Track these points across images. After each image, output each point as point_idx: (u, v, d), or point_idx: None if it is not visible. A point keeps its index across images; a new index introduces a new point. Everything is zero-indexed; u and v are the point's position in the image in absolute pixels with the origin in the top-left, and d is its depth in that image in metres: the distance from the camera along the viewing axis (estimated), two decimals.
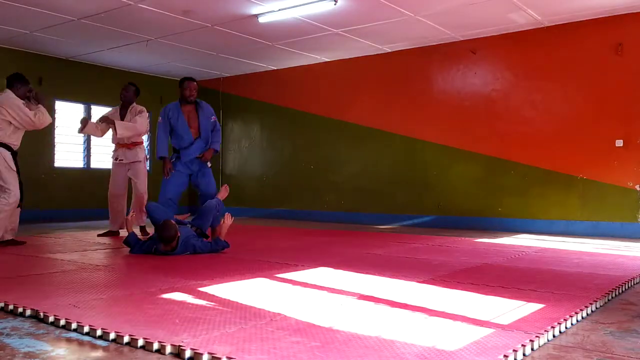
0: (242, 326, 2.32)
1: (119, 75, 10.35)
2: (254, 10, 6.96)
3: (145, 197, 6.17)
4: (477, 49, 8.00)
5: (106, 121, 6.16)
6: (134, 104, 6.27)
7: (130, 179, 6.26)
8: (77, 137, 9.77)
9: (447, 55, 8.28)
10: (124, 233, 5.85)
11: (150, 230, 5.64)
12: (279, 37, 8.15)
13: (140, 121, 6.06)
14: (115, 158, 6.25)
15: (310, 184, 9.76)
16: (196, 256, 4.66)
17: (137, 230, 5.79)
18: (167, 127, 5.29)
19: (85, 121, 6.17)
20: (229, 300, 2.87)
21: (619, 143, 6.86)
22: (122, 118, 6.14)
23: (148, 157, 6.43)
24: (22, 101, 5.24)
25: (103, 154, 9.87)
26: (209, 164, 5.42)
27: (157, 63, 9.97)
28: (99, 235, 6.15)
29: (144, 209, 5.41)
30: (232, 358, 1.87)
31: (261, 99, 10.57)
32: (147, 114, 6.25)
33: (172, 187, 5.28)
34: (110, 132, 6.30)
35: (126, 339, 2.12)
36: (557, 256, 4.81)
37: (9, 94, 5.19)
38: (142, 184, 6.19)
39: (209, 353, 1.91)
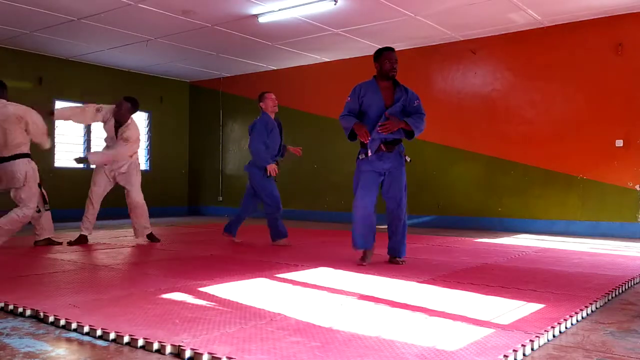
0: (242, 326, 2.32)
1: (119, 75, 10.35)
2: (254, 10, 6.96)
3: (143, 204, 5.65)
4: (477, 49, 8.00)
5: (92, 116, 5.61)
6: (130, 121, 5.59)
7: (115, 187, 5.73)
8: (77, 137, 9.77)
9: (447, 55, 8.28)
10: (94, 239, 5.71)
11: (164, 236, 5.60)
12: (279, 37, 8.14)
13: (120, 150, 5.44)
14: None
15: (310, 184, 9.76)
16: (196, 256, 4.66)
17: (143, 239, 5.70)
18: (354, 106, 4.25)
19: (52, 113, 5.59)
20: (229, 300, 2.87)
21: (619, 143, 6.85)
22: (116, 132, 5.53)
23: (138, 165, 5.79)
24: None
25: None
26: (407, 159, 4.32)
27: (157, 63, 9.97)
28: (69, 244, 5.40)
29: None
30: (232, 358, 1.87)
31: None
32: (137, 137, 5.62)
33: (366, 191, 4.19)
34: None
35: (126, 339, 2.12)
36: (557, 256, 4.81)
37: (21, 106, 5.08)
38: (137, 192, 5.63)
39: (209, 353, 1.91)
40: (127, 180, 5.62)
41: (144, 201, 5.68)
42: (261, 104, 5.57)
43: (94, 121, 5.74)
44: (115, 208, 5.98)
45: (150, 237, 5.75)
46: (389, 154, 4.19)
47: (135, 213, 5.65)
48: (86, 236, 5.59)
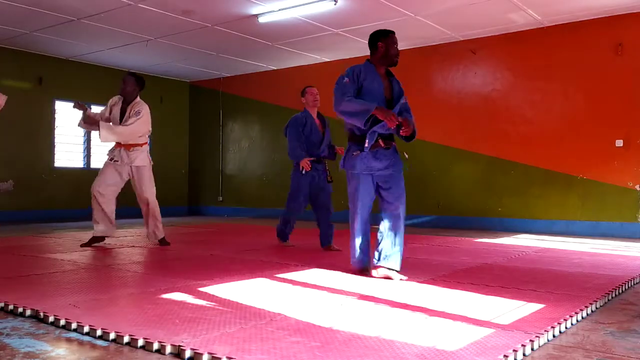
0: (242, 326, 2.32)
1: (119, 75, 10.25)
2: (254, 10, 6.96)
3: (156, 205, 5.33)
4: (477, 49, 8.00)
5: (91, 121, 5.30)
6: (138, 99, 5.35)
7: (126, 185, 5.40)
8: (77, 137, 9.78)
9: (447, 55, 8.28)
10: (111, 241, 5.59)
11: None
12: (279, 37, 8.14)
13: (132, 126, 5.16)
14: (111, 158, 5.30)
15: None
16: (196, 256, 4.66)
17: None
18: (353, 89, 3.76)
19: (81, 107, 5.21)
20: (229, 300, 2.87)
21: (619, 143, 6.86)
22: (122, 115, 5.28)
23: (151, 161, 5.43)
24: None
25: (103, 154, 9.85)
26: (405, 155, 3.88)
27: (157, 63, 9.96)
28: (82, 246, 5.19)
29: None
30: (232, 358, 1.87)
31: (261, 99, 10.56)
32: (148, 113, 5.33)
33: (366, 206, 3.69)
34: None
35: (126, 339, 2.12)
36: (557, 256, 4.81)
37: None
38: (149, 192, 5.29)
39: (209, 353, 1.91)
40: (138, 178, 5.26)
41: (155, 200, 5.34)
42: (302, 99, 5.37)
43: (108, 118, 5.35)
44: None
45: (162, 241, 5.40)
46: (385, 151, 3.69)
47: (146, 213, 5.33)
48: (100, 237, 5.26)
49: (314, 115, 5.33)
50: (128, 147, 5.26)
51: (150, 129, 5.44)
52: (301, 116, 5.33)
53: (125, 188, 5.51)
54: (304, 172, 5.17)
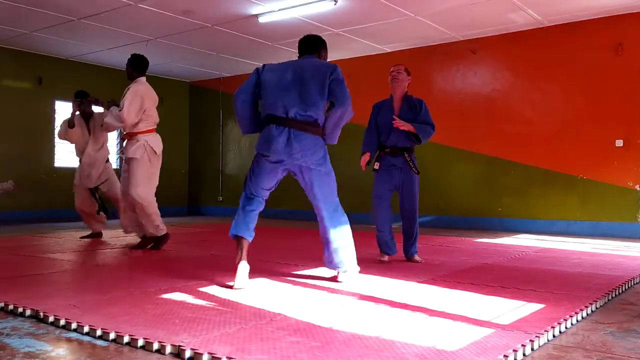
0: (242, 326, 2.32)
1: (119, 75, 10.32)
2: (254, 10, 6.96)
3: (140, 201, 4.77)
4: (477, 49, 8.00)
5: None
6: (138, 79, 4.96)
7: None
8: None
9: (447, 55, 8.28)
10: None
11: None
12: (279, 37, 8.14)
13: (123, 110, 4.72)
14: (121, 151, 5.09)
15: None
16: (196, 256, 4.66)
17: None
18: None
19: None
20: (229, 300, 2.87)
21: (619, 143, 6.86)
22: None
23: (152, 152, 4.92)
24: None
25: None
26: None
27: (157, 63, 9.95)
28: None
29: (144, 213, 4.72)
30: (232, 358, 1.87)
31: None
32: (135, 92, 4.79)
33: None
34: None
35: (126, 339, 2.12)
36: (557, 256, 4.81)
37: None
38: (134, 187, 4.77)
39: (209, 353, 1.91)
40: (128, 168, 4.85)
41: (145, 197, 4.83)
42: None
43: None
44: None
45: (142, 241, 5.05)
46: None
47: (125, 207, 5.06)
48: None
49: (396, 97, 4.63)
50: (126, 136, 4.94)
51: (153, 114, 4.94)
52: (377, 103, 4.72)
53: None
54: (376, 167, 4.53)
